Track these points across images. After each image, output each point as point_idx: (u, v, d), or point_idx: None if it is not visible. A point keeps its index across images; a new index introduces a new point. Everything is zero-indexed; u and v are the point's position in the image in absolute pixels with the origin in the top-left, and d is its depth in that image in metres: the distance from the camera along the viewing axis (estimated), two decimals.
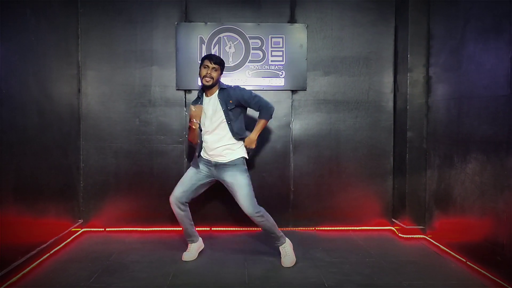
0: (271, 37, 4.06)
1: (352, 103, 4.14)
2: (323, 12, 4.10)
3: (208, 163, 3.21)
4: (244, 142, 3.22)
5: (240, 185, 3.09)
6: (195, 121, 3.12)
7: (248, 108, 3.28)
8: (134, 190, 4.08)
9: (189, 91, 4.06)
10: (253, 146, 3.24)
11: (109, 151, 4.05)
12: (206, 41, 4.03)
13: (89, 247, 3.55)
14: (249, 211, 3.06)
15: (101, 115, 4.04)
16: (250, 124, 3.43)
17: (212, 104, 3.16)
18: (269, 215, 3.14)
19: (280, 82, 4.07)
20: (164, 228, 4.06)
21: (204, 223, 4.03)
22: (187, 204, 3.22)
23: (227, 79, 4.03)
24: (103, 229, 4.06)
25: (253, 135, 3.22)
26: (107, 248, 3.51)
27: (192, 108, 3.12)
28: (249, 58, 4.05)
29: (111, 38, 4.02)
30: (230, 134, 3.14)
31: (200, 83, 3.28)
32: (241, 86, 3.27)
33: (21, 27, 3.00)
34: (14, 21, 2.90)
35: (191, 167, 3.29)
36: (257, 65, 4.06)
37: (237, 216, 4.09)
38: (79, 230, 3.96)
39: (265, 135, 4.10)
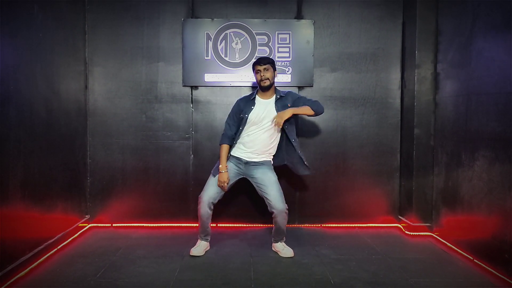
0: (278, 33, 4.05)
1: (359, 99, 4.11)
2: (330, 8, 4.07)
3: (238, 160, 3.24)
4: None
5: (271, 182, 3.18)
6: (224, 185, 3.18)
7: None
8: (140, 186, 4.10)
9: (196, 87, 4.06)
10: (280, 120, 3.12)
11: (116, 147, 4.07)
12: (212, 37, 4.03)
13: (96, 243, 3.58)
14: (280, 207, 3.13)
15: (108, 112, 4.06)
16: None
17: (267, 110, 3.22)
18: None
19: (286, 78, 4.05)
20: (170, 224, 4.08)
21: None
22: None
23: (234, 76, 4.03)
24: (109, 225, 4.09)
25: (289, 110, 3.16)
26: (114, 244, 3.53)
27: (223, 178, 3.16)
28: (256, 54, 4.04)
29: (118, 34, 4.03)
30: (277, 142, 3.30)
31: (257, 84, 3.30)
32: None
33: (28, 23, 3.01)
34: (21, 17, 2.91)
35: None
36: None
37: (243, 212, 4.12)
38: (86, 226, 3.99)
39: None
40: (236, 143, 3.26)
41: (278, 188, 3.19)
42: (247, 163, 3.24)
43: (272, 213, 3.19)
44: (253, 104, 3.25)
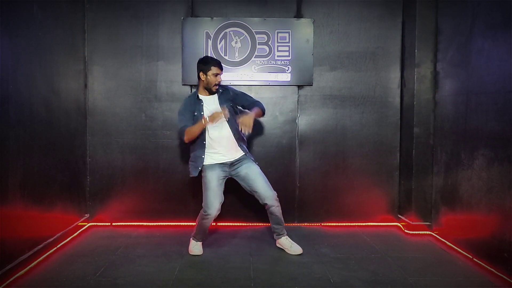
0: (278, 32, 4.04)
1: (359, 98, 4.11)
2: (330, 7, 4.07)
3: (222, 165, 3.21)
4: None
5: (256, 173, 3.21)
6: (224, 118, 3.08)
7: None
8: (140, 185, 4.10)
9: (195, 86, 4.06)
10: (249, 129, 3.04)
11: (115, 146, 4.07)
12: (212, 36, 4.02)
13: (96, 242, 3.58)
14: (271, 195, 3.16)
15: (107, 111, 4.06)
16: None
17: (214, 104, 3.23)
18: None
19: (286, 77, 4.05)
20: (170, 223, 4.09)
21: None
22: None
23: (233, 75, 4.03)
24: (109, 224, 4.09)
25: (251, 116, 3.11)
26: (113, 243, 3.53)
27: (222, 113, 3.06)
28: (255, 53, 4.04)
29: (118, 33, 4.03)
30: (235, 130, 3.22)
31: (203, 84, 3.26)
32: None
33: (28, 22, 3.01)
34: (21, 16, 2.91)
35: (209, 177, 3.15)
36: (263, 60, 4.04)
37: (242, 211, 4.12)
38: (86, 225, 3.99)
39: (271, 130, 4.10)
40: (206, 153, 3.19)
41: (264, 178, 3.22)
42: (232, 164, 3.22)
43: (265, 205, 3.19)
44: (201, 103, 3.22)
